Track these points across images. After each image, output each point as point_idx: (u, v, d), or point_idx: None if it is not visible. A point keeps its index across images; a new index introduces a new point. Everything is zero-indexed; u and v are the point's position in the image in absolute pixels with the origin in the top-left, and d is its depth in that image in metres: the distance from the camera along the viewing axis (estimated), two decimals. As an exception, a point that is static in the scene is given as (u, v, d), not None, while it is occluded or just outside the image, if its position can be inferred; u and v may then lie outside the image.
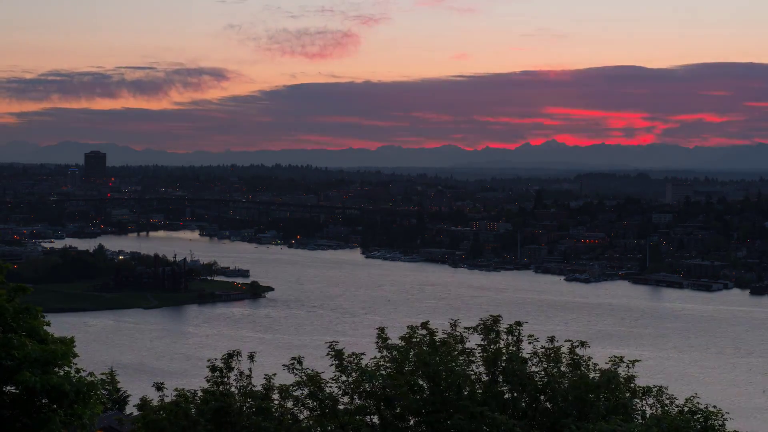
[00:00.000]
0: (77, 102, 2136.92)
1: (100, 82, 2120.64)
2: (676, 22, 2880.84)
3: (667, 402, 24.31)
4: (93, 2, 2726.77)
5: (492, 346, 25.69)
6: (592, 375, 24.72)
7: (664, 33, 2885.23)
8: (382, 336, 26.03)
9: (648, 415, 23.99)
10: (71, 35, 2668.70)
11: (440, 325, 26.85)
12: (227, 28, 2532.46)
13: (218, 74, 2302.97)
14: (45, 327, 19.06)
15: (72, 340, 18.98)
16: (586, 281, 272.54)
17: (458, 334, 26.49)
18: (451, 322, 26.80)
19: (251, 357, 25.48)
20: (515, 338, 25.92)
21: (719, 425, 23.17)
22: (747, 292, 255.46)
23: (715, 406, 23.52)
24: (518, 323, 26.26)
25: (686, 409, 23.46)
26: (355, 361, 25.00)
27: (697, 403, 23.63)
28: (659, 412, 23.94)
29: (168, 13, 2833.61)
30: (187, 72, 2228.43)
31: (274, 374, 25.31)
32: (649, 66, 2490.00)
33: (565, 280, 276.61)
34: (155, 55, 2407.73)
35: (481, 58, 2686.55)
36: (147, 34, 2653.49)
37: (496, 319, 26.21)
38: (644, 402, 24.71)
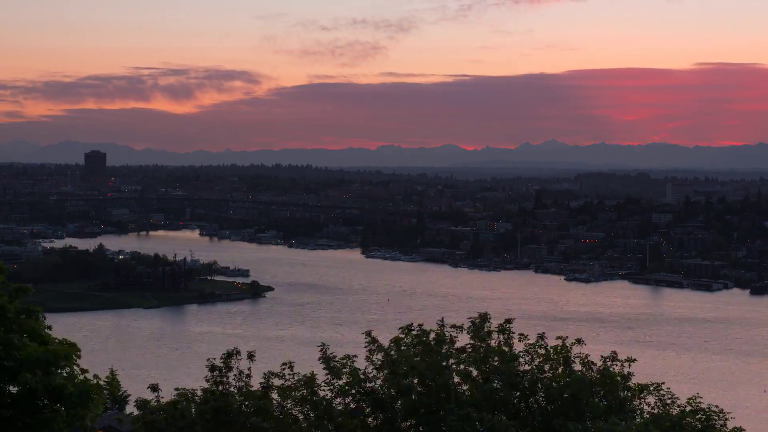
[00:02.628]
0: (112, 104, 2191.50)
1: (134, 87, 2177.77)
2: (679, 23, 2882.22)
3: (668, 401, 24.23)
4: (148, 15, 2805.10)
5: (482, 345, 25.57)
6: (588, 374, 24.62)
7: (669, 35, 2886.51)
8: (371, 338, 25.94)
9: (648, 414, 23.92)
10: (116, 42, 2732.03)
11: (435, 326, 26.79)
12: (263, 40, 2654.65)
13: (249, 80, 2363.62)
14: (46, 329, 19.05)
15: (75, 344, 18.98)
16: (586, 281, 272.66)
17: (447, 333, 26.32)
18: (439, 322, 26.56)
19: (251, 356, 25.48)
20: (506, 336, 25.82)
21: (721, 425, 23.11)
22: (747, 291, 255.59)
23: (717, 406, 23.46)
24: (508, 321, 26.16)
25: (688, 408, 23.37)
26: (348, 363, 24.96)
27: (699, 402, 23.54)
28: (660, 411, 23.87)
29: (206, 27, 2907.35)
30: (218, 75, 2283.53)
31: (273, 374, 25.28)
32: (651, 67, 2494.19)
33: (565, 279, 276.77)
34: (191, 64, 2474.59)
35: (494, 64, 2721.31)
36: (184, 46, 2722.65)
37: (484, 318, 26.09)
38: (643, 401, 24.63)
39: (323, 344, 25.75)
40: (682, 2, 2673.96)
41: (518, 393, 24.48)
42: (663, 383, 24.68)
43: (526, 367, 24.90)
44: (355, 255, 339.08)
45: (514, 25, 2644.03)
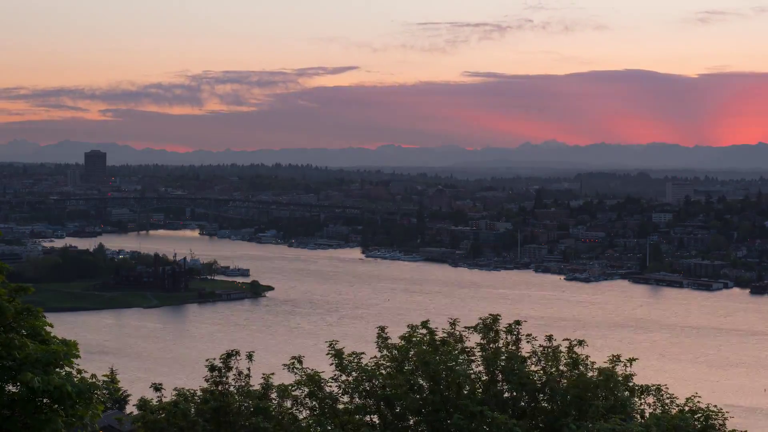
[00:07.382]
0: (170, 109, 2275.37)
1: (191, 97, 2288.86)
2: (683, 30, 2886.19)
3: (667, 401, 24.26)
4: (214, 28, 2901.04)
5: (491, 345, 25.66)
6: (590, 374, 24.68)
7: (671, 37, 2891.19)
8: (381, 335, 26.00)
9: (648, 414, 23.96)
10: (177, 55, 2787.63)
11: (440, 324, 26.82)
12: (317, 58, 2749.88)
13: (291, 89, 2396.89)
14: (46, 328, 19.08)
15: (75, 344, 18.99)
16: (586, 280, 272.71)
17: (458, 333, 26.42)
18: (451, 321, 26.72)
19: (250, 356, 25.50)
20: (514, 337, 25.88)
21: (720, 424, 23.13)
22: (747, 291, 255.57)
23: (716, 406, 23.48)
24: (517, 322, 26.22)
25: (686, 408, 23.40)
26: (355, 360, 24.99)
27: (698, 402, 23.57)
28: (659, 411, 23.90)
29: (263, 47, 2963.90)
30: (267, 83, 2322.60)
31: (273, 374, 25.33)
32: (652, 69, 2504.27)
33: (565, 279, 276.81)
34: (245, 70, 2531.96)
35: (505, 70, 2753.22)
36: (242, 66, 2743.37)
37: (495, 318, 26.18)
38: (644, 401, 24.66)
39: (332, 341, 25.75)
40: (686, 15, 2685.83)
41: (526, 394, 24.59)
42: (666, 386, 24.73)
43: (534, 368, 24.99)
44: (355, 254, 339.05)
45: (540, 47, 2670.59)
